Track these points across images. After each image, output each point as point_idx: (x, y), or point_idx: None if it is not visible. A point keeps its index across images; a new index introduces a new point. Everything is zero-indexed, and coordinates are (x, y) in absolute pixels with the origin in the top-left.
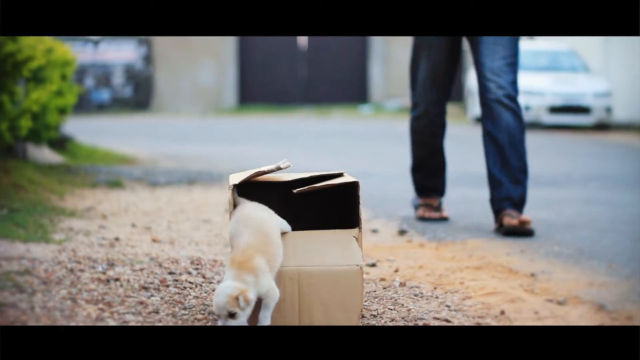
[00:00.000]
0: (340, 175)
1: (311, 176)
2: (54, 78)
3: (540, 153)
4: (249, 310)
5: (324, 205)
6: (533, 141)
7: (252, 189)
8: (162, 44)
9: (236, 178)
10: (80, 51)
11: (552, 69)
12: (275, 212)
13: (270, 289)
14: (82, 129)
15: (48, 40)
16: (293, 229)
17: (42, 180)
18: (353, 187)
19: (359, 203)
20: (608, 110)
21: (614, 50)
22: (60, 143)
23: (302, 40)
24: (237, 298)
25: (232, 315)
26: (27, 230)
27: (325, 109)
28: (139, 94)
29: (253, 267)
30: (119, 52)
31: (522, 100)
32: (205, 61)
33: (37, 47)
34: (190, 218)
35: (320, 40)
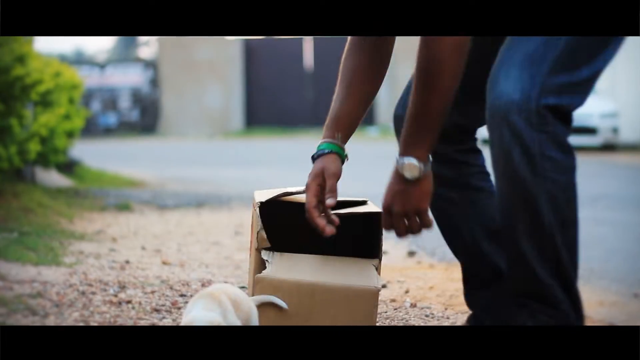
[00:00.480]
0: (364, 202)
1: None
2: (62, 102)
3: None
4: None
5: (345, 231)
6: None
7: (275, 209)
8: (168, 67)
9: (261, 196)
10: (87, 75)
11: None
12: (298, 234)
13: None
14: (89, 153)
15: (56, 64)
16: (312, 252)
17: (51, 204)
18: (376, 217)
19: (381, 234)
20: (615, 130)
21: (621, 71)
22: (68, 167)
23: (308, 62)
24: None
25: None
26: (38, 254)
27: None
28: (145, 118)
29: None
30: (125, 76)
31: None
32: (212, 84)
33: (45, 70)
34: (200, 240)
35: (326, 62)
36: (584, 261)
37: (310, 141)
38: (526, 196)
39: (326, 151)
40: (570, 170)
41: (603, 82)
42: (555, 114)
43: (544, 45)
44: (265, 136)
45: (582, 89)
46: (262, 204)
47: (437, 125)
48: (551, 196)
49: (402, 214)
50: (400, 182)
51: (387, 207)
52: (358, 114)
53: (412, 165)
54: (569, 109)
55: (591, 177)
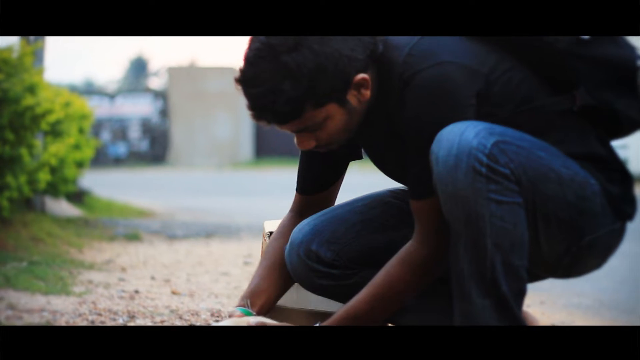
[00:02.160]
0: None
1: None
2: (72, 132)
3: None
4: None
5: None
6: None
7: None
8: (178, 97)
9: (272, 226)
10: (97, 105)
11: None
12: None
13: None
14: (99, 183)
15: (66, 94)
16: None
17: (60, 233)
18: None
19: None
20: (624, 162)
21: None
22: (78, 196)
23: None
24: None
25: None
26: (47, 283)
27: None
28: (155, 148)
29: None
30: (135, 106)
31: None
32: (221, 114)
33: (56, 100)
34: (209, 271)
35: None
36: (594, 293)
37: None
38: (470, 214)
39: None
40: (516, 194)
41: None
42: (506, 159)
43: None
44: (274, 166)
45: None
46: (272, 233)
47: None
48: (497, 216)
49: None
50: None
51: None
52: (275, 293)
53: None
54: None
55: None
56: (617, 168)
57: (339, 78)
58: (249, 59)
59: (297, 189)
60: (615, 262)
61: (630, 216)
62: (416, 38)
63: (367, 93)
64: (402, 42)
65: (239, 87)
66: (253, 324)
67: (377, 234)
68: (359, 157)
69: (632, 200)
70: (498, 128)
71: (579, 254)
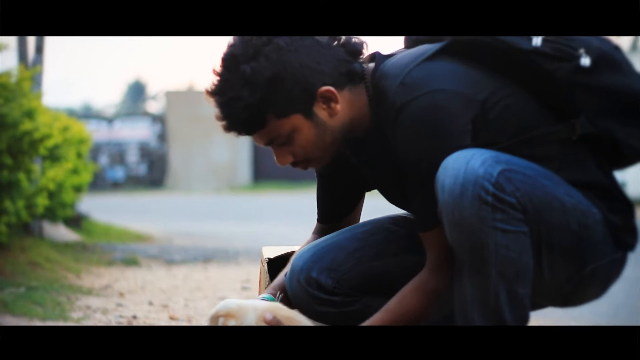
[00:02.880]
0: None
1: None
2: (70, 156)
3: None
4: None
5: None
6: None
7: (283, 266)
8: (176, 121)
9: (270, 252)
10: (95, 129)
11: None
12: None
13: None
14: (97, 207)
15: (64, 118)
16: None
17: (58, 258)
18: None
19: None
20: (622, 185)
21: None
22: (76, 221)
23: None
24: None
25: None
26: (45, 308)
27: None
28: (153, 172)
29: None
30: (133, 130)
31: None
32: (219, 138)
33: (54, 125)
34: (207, 296)
35: None
36: (592, 317)
37: (315, 197)
38: (475, 243)
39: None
40: (522, 223)
41: None
42: (512, 188)
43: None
44: (272, 190)
45: None
46: (270, 260)
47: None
48: (502, 245)
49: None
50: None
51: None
52: None
53: None
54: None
55: None
56: (618, 197)
57: (299, 88)
58: (216, 69)
59: (317, 219)
60: (613, 287)
61: (631, 247)
62: (411, 66)
63: (337, 107)
64: (396, 71)
65: (209, 98)
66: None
67: (377, 260)
68: (372, 188)
69: (633, 230)
70: (504, 156)
71: (580, 283)
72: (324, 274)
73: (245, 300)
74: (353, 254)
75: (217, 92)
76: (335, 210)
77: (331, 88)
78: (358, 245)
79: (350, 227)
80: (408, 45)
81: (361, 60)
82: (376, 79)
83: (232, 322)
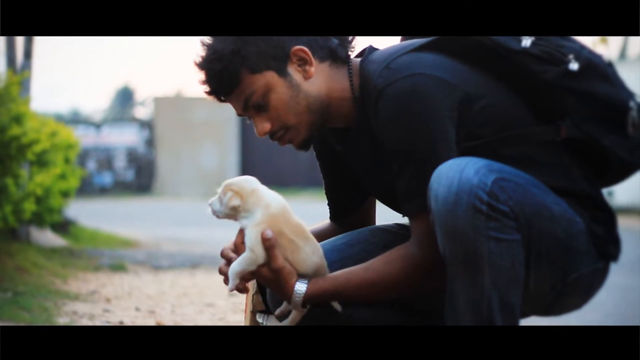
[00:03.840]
0: None
1: None
2: (58, 161)
3: None
4: (225, 209)
5: None
6: None
7: None
8: (164, 127)
9: None
10: (83, 135)
11: None
12: None
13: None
14: (84, 212)
15: (52, 124)
16: None
17: (45, 264)
18: None
19: None
20: (609, 193)
21: None
22: (63, 226)
23: None
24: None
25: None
26: (32, 314)
27: None
28: (141, 177)
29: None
30: (121, 136)
31: None
32: (208, 144)
33: (42, 130)
34: (194, 302)
35: None
36: (580, 325)
37: (305, 202)
38: (468, 252)
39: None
40: (515, 231)
41: None
42: (506, 197)
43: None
44: None
45: None
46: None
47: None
48: (496, 254)
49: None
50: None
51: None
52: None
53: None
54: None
55: None
56: (602, 207)
57: (272, 44)
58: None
59: (329, 217)
60: (602, 296)
61: (614, 257)
62: (398, 53)
63: (311, 70)
64: (382, 57)
65: (196, 68)
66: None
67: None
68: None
69: (616, 240)
70: (496, 164)
71: (563, 292)
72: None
73: (266, 189)
74: (332, 266)
75: (201, 57)
76: (342, 204)
77: (305, 48)
78: (337, 257)
79: (331, 239)
80: None
81: (350, 49)
82: (364, 65)
83: (234, 202)
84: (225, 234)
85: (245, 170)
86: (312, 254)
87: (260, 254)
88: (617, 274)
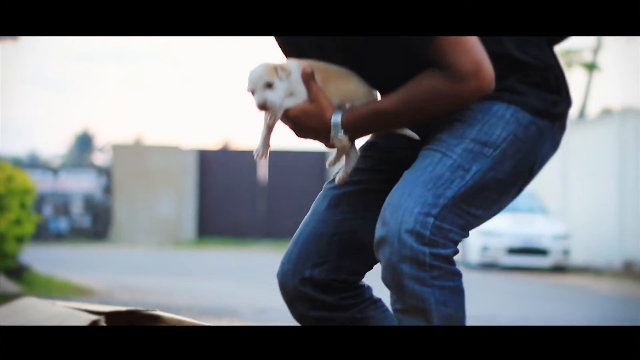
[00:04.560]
0: None
1: None
2: (13, 207)
3: (497, 294)
4: (286, 84)
5: None
6: (490, 282)
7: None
8: (122, 174)
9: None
10: (40, 179)
11: (509, 210)
12: None
13: None
14: (39, 258)
15: (8, 168)
16: None
17: None
18: None
19: None
20: (566, 252)
21: (573, 192)
22: (17, 272)
23: (263, 174)
24: (275, 68)
25: (269, 85)
26: None
27: (284, 244)
28: (97, 224)
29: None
30: (78, 182)
31: (478, 241)
32: (165, 193)
33: None
34: None
35: (280, 175)
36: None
37: (262, 254)
38: (418, 305)
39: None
40: (457, 276)
41: (556, 204)
42: (445, 238)
43: (451, 172)
44: (217, 247)
45: (473, 224)
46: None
47: (382, 130)
48: (441, 302)
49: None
50: (319, 125)
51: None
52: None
53: (342, 140)
54: (457, 237)
55: (541, 300)
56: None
57: None
58: None
59: None
60: None
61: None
62: None
63: None
64: None
65: None
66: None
67: (355, 231)
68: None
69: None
70: (430, 197)
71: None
72: (316, 269)
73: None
74: (332, 238)
75: None
76: None
77: None
78: (330, 229)
79: (311, 211)
80: None
81: None
82: None
83: (284, 75)
84: (180, 284)
85: (202, 219)
86: (355, 87)
87: (302, 91)
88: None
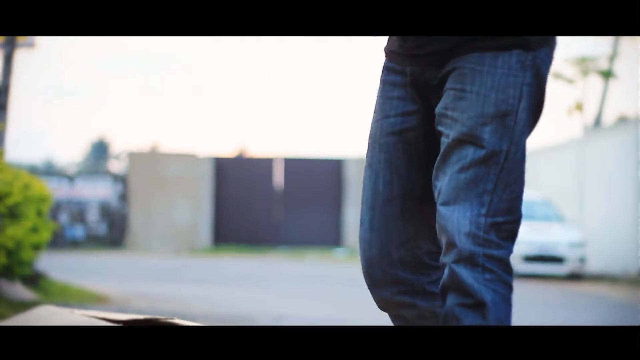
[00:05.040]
0: None
1: None
2: (30, 214)
3: (513, 302)
4: None
5: None
6: None
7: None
8: (138, 182)
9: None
10: (57, 187)
11: (526, 218)
12: None
13: None
14: (55, 266)
15: (25, 176)
16: None
17: None
18: None
19: None
20: (582, 260)
21: (589, 201)
22: (34, 279)
23: (278, 181)
24: None
25: None
26: None
27: (300, 252)
28: (113, 232)
29: None
30: (94, 189)
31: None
32: (181, 200)
33: (15, 183)
34: None
35: (296, 182)
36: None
37: (278, 261)
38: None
39: None
40: (509, 287)
41: (572, 211)
42: (498, 233)
43: (486, 164)
44: (232, 254)
45: (519, 204)
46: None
47: None
48: (495, 303)
49: None
50: None
51: None
52: None
53: None
54: (511, 227)
55: (557, 308)
56: None
57: None
58: None
59: None
60: None
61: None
62: None
63: None
64: None
65: None
66: None
67: (423, 199)
68: None
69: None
70: (475, 195)
71: None
72: (401, 249)
73: None
74: (404, 216)
75: None
76: None
77: None
78: (397, 206)
79: (369, 192)
80: None
81: None
82: None
83: None
84: (196, 291)
85: (218, 227)
86: None
87: None
88: None
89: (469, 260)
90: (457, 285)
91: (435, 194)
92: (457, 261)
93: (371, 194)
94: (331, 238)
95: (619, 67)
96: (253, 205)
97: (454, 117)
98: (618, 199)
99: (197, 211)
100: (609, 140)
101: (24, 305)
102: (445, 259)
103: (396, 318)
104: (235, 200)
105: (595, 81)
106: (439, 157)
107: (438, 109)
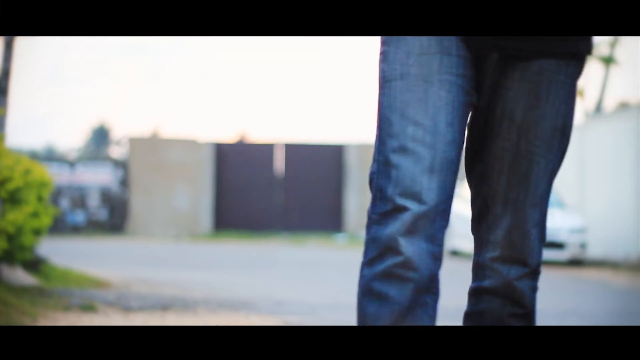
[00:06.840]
0: None
1: None
2: (31, 199)
3: None
4: None
5: None
6: None
7: None
8: (139, 167)
9: None
10: (57, 172)
11: None
12: None
13: None
14: (56, 251)
15: (26, 161)
16: None
17: (15, 302)
18: None
19: None
20: (583, 246)
21: (590, 187)
22: (34, 265)
23: (279, 167)
24: None
25: None
26: None
27: (301, 237)
28: (114, 217)
29: None
30: (95, 175)
31: None
32: (181, 186)
33: (15, 168)
34: None
35: (296, 167)
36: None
37: (278, 246)
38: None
39: None
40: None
41: (573, 197)
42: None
43: (552, 178)
44: (233, 240)
45: None
46: None
47: None
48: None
49: None
50: None
51: None
52: None
53: None
54: None
55: (559, 293)
56: None
57: None
58: None
59: None
60: None
61: None
62: None
63: None
64: None
65: None
66: None
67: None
68: None
69: None
70: (541, 209)
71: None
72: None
73: None
74: (457, 166)
75: None
76: None
77: None
78: (458, 153)
79: (427, 128)
80: None
81: None
82: None
83: None
84: (197, 277)
85: (218, 212)
86: None
87: None
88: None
89: (531, 274)
90: (513, 297)
91: (497, 201)
92: (522, 277)
93: (430, 132)
94: (332, 224)
95: (620, 53)
96: (254, 190)
97: (524, 126)
98: (619, 185)
99: (198, 196)
100: (610, 126)
101: (25, 290)
102: (510, 271)
103: None
104: (235, 186)
105: (596, 67)
106: (506, 165)
107: (507, 110)
